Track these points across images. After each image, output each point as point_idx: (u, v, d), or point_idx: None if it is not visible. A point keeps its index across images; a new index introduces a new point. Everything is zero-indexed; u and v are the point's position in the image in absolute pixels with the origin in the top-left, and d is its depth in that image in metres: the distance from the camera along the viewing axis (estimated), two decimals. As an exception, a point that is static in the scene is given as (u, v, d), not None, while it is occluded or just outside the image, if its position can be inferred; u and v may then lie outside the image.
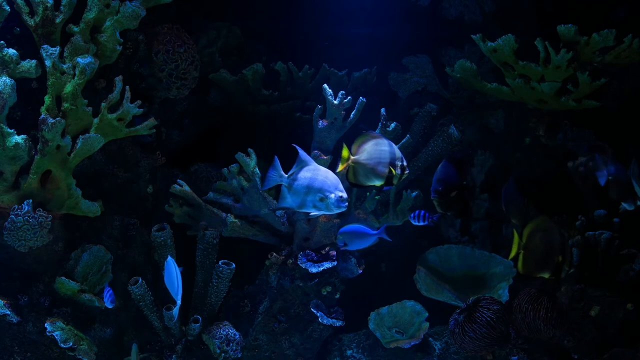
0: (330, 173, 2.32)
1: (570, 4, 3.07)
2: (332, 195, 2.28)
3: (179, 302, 2.64)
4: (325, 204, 2.29)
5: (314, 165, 2.32)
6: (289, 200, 2.33)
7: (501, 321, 2.67)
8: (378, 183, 2.45)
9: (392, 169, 2.41)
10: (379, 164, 2.41)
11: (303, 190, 2.29)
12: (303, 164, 2.31)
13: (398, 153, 2.44)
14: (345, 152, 2.42)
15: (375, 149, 2.43)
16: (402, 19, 3.57)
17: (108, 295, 2.69)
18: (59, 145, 2.45)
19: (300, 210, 2.37)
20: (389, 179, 2.43)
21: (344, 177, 2.45)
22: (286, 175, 2.31)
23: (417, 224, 2.93)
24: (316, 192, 2.28)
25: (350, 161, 2.41)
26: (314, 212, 2.35)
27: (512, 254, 2.62)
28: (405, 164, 2.44)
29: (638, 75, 3.08)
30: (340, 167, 2.42)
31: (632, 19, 3.06)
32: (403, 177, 2.45)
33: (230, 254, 2.97)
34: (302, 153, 2.32)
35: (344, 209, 2.32)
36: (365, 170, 2.42)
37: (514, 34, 2.79)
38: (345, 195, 2.30)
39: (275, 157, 2.36)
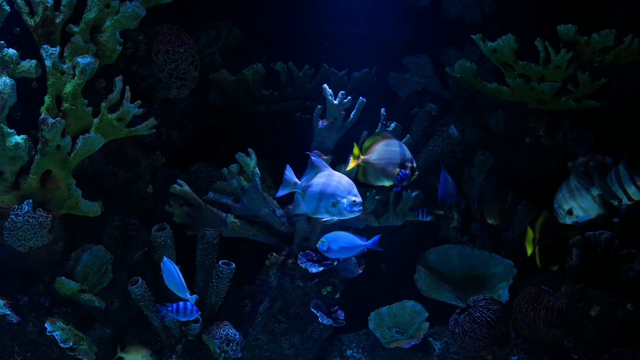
0: (344, 178, 2.31)
1: (570, 4, 3.06)
2: (345, 200, 2.27)
3: (188, 295, 2.65)
4: (337, 209, 2.28)
5: (327, 170, 2.31)
6: (303, 207, 2.32)
7: (501, 321, 2.67)
8: (387, 183, 2.45)
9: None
10: (389, 164, 2.41)
11: (316, 196, 2.29)
12: (317, 170, 2.31)
13: (408, 154, 2.44)
14: (355, 151, 2.42)
15: (386, 150, 2.43)
16: (402, 19, 3.57)
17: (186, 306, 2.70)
18: (59, 145, 2.45)
19: (315, 217, 2.36)
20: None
21: (349, 174, 2.45)
22: (300, 182, 2.30)
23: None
24: (329, 197, 2.28)
25: (360, 161, 2.41)
26: (327, 218, 2.34)
27: (530, 251, 2.64)
28: (415, 165, 2.45)
29: (638, 75, 3.08)
30: (349, 166, 2.42)
31: (632, 19, 3.06)
32: (412, 178, 2.45)
33: (230, 254, 2.97)
34: (316, 158, 2.31)
35: (357, 214, 2.31)
36: (375, 170, 2.42)
37: (514, 34, 2.79)
38: (358, 199, 2.28)
39: (287, 165, 2.36)
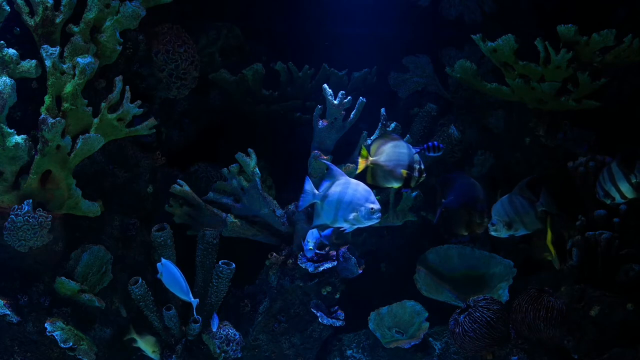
0: (360, 185, 2.29)
1: (570, 4, 3.06)
2: (362, 208, 2.25)
3: (192, 298, 2.66)
4: (355, 217, 2.26)
5: (344, 179, 2.29)
6: (323, 217, 2.30)
7: (501, 321, 2.67)
8: (396, 185, 2.44)
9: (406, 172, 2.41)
10: (398, 166, 2.40)
11: (334, 205, 2.27)
12: (334, 179, 2.29)
13: (416, 156, 2.43)
14: (364, 153, 2.41)
15: (394, 151, 2.43)
16: (402, 19, 3.56)
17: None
18: (59, 145, 2.45)
19: (334, 226, 2.35)
20: (406, 181, 2.43)
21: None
22: (318, 192, 2.28)
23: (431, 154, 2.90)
24: (346, 206, 2.26)
25: (368, 162, 2.40)
26: (345, 226, 2.32)
27: (553, 252, 2.65)
28: (422, 167, 2.44)
29: (638, 75, 3.07)
30: (359, 168, 2.41)
31: (632, 19, 3.06)
32: (420, 180, 2.44)
33: (230, 254, 2.97)
34: (333, 167, 2.30)
35: (376, 221, 2.28)
36: (384, 172, 2.41)
37: (514, 34, 2.79)
38: (376, 206, 2.25)
39: (307, 176, 2.35)
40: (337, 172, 2.31)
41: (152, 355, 2.86)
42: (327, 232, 2.91)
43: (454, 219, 2.89)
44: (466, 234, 2.92)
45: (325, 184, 2.31)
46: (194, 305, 2.69)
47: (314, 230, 2.88)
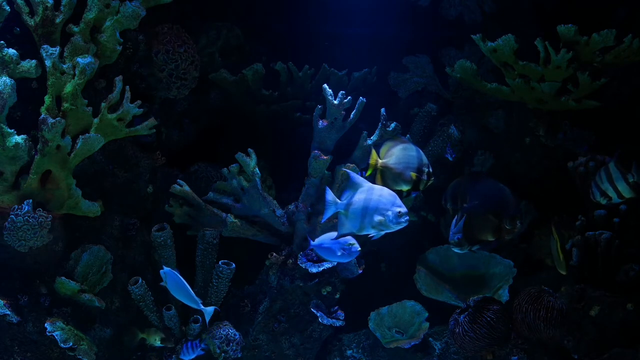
0: (384, 190, 2.25)
1: (570, 4, 3.06)
2: (390, 213, 2.21)
3: (201, 306, 2.67)
4: (382, 222, 2.23)
5: (367, 185, 2.25)
6: (348, 226, 2.26)
7: (501, 321, 2.67)
8: (405, 188, 2.43)
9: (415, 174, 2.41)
10: (407, 168, 2.40)
11: (360, 212, 2.22)
12: (356, 187, 2.26)
13: (425, 159, 2.43)
14: (373, 155, 2.40)
15: (404, 154, 2.42)
16: (402, 19, 3.57)
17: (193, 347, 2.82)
18: (59, 145, 2.45)
19: (361, 234, 2.31)
20: (416, 184, 2.41)
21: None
22: (341, 202, 2.26)
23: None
24: (372, 212, 2.21)
25: (378, 165, 2.39)
26: (373, 233, 2.28)
27: (561, 257, 2.65)
28: (431, 170, 2.43)
29: (638, 75, 3.07)
30: (369, 171, 2.40)
31: (632, 19, 3.06)
32: (429, 183, 2.43)
33: (230, 254, 2.97)
34: (353, 175, 2.27)
35: (405, 224, 2.23)
36: (394, 175, 2.40)
37: (514, 34, 2.79)
38: (404, 209, 2.21)
39: (327, 187, 2.34)
40: (358, 179, 2.28)
41: (161, 344, 2.88)
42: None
43: (479, 225, 2.71)
44: (492, 240, 2.77)
45: (346, 193, 2.27)
46: (207, 313, 2.68)
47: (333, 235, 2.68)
